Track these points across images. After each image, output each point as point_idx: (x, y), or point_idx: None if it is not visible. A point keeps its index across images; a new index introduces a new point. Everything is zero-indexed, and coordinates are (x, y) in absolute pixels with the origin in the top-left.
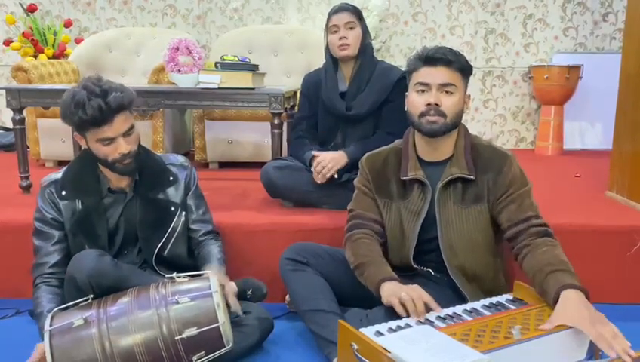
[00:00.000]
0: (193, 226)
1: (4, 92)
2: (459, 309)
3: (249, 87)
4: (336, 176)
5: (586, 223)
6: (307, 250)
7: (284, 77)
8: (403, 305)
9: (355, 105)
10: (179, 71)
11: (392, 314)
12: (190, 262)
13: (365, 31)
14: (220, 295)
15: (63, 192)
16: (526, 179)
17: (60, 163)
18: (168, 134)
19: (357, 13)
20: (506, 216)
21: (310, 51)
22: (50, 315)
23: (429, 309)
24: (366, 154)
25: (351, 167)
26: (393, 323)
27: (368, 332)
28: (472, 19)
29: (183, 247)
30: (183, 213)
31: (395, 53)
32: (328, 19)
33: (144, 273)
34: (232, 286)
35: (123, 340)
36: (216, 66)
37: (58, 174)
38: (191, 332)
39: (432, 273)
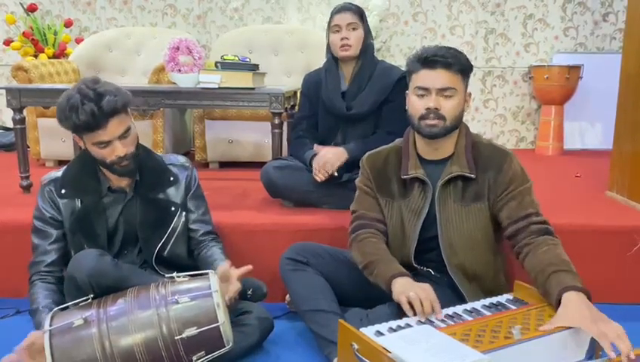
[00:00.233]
0: (193, 226)
1: (4, 91)
2: (459, 309)
3: (249, 87)
4: (336, 174)
5: (586, 223)
6: (307, 249)
7: (285, 77)
8: (410, 304)
9: (355, 104)
10: (179, 70)
11: (399, 311)
12: (190, 262)
13: (367, 31)
14: (219, 295)
15: (63, 191)
16: (527, 176)
17: (61, 162)
18: (168, 134)
19: (360, 13)
20: (506, 213)
21: (310, 51)
22: (50, 315)
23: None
24: (367, 154)
25: (351, 167)
26: (393, 323)
27: (368, 332)
28: (472, 19)
29: (183, 247)
30: (184, 213)
31: (395, 53)
32: (331, 19)
33: (144, 273)
34: (237, 286)
35: (123, 340)
36: (216, 66)
37: (58, 173)
38: (191, 332)
39: (433, 273)
